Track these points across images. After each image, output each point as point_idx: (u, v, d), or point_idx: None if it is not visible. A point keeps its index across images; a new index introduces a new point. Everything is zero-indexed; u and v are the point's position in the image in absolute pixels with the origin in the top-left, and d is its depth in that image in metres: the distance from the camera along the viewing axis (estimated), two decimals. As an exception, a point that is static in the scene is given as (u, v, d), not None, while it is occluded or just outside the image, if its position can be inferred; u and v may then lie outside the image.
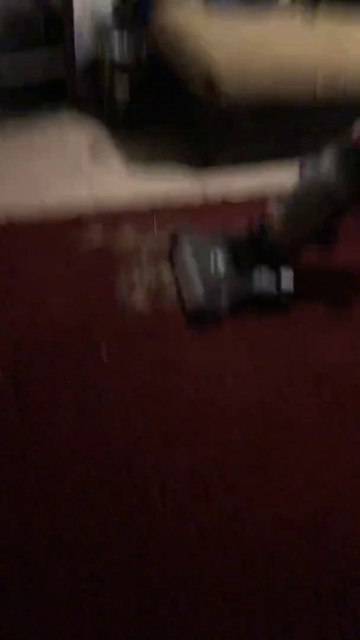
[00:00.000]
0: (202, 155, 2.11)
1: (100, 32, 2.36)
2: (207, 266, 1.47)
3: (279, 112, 2.03)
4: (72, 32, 2.18)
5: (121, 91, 2.20)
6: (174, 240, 1.60)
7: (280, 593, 0.95)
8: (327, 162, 1.40)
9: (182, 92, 2.09)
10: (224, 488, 1.09)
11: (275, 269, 1.46)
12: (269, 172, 2.08)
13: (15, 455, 1.11)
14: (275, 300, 1.47)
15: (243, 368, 1.34)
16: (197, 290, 1.42)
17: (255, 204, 1.86)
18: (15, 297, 1.46)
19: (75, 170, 2.05)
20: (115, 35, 2.28)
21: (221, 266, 1.48)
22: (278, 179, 2.05)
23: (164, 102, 2.32)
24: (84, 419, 1.19)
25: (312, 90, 1.99)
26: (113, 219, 1.79)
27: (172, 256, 1.59)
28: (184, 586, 0.95)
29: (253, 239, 1.50)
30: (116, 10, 2.35)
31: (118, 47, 2.22)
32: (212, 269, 1.47)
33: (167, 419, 1.20)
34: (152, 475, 1.10)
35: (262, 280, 1.45)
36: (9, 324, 1.38)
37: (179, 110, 2.27)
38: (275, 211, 1.46)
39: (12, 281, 1.51)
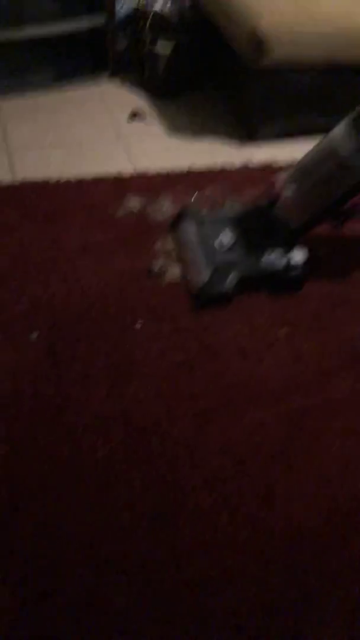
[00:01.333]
0: (246, 127, 2.03)
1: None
2: (212, 245, 1.41)
3: (333, 78, 1.91)
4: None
5: (163, 50, 2.12)
6: (179, 218, 1.53)
7: (303, 571, 0.95)
8: (339, 131, 1.29)
9: (226, 54, 2.00)
10: (255, 466, 1.09)
11: (288, 246, 1.38)
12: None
13: (49, 422, 1.14)
14: (285, 278, 1.39)
15: (276, 344, 1.32)
16: (201, 272, 1.36)
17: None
18: (53, 265, 1.47)
19: (116, 138, 2.01)
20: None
21: (228, 244, 1.41)
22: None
23: (207, 67, 2.23)
24: (117, 389, 1.20)
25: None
26: (152, 186, 1.76)
27: (176, 234, 1.51)
28: (211, 562, 0.96)
29: (262, 216, 1.42)
30: None
31: (161, 1, 2.12)
32: (219, 248, 1.40)
33: (198, 395, 1.20)
34: (182, 449, 1.11)
35: (271, 258, 1.38)
36: (45, 291, 1.39)
37: (223, 76, 2.18)
38: (285, 188, 1.37)
39: (51, 247, 1.52)
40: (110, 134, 2.03)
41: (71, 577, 0.93)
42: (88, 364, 1.25)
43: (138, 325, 1.34)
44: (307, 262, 1.39)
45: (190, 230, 1.48)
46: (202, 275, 1.37)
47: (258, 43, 1.76)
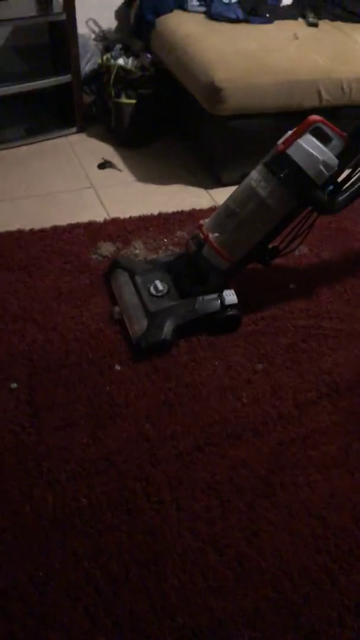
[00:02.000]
0: (210, 172, 2.12)
1: (105, 43, 2.38)
2: (147, 293, 1.44)
3: (287, 122, 2.03)
4: (76, 50, 2.20)
5: (127, 102, 2.22)
6: (112, 269, 1.56)
7: (296, 609, 0.95)
8: (256, 173, 1.36)
9: (187, 104, 2.11)
10: (240, 504, 1.09)
11: (219, 289, 1.42)
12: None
13: (32, 471, 1.12)
14: (222, 318, 1.42)
15: (253, 379, 1.34)
16: (138, 322, 1.39)
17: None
18: (29, 313, 1.48)
19: (87, 186, 2.07)
20: (119, 45, 2.30)
21: (162, 292, 1.44)
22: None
23: (170, 117, 2.34)
24: (99, 433, 1.20)
25: (317, 98, 1.99)
26: (124, 231, 1.81)
27: (112, 284, 1.53)
28: (202, 607, 0.95)
29: (192, 260, 1.45)
30: (120, 18, 2.37)
31: (123, 57, 2.24)
32: (152, 297, 1.43)
33: (180, 435, 1.21)
34: (167, 492, 1.11)
35: (205, 301, 1.41)
36: (23, 340, 1.40)
37: (185, 125, 2.29)
38: (212, 231, 1.41)
39: (27, 296, 1.53)
40: (81, 183, 2.09)
41: (60, 628, 0.91)
42: (69, 409, 1.25)
43: (117, 367, 1.35)
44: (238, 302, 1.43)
45: (124, 279, 1.51)
46: (139, 324, 1.39)
47: (215, 92, 1.87)
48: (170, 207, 1.95)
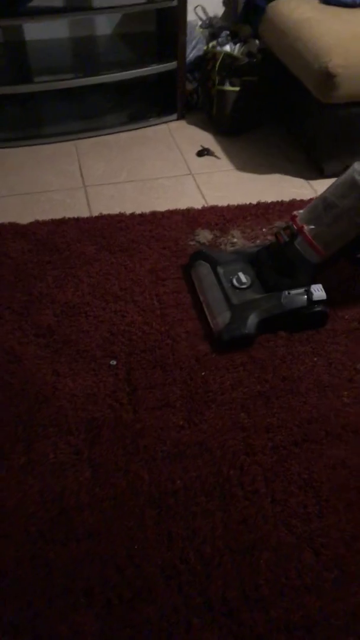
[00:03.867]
0: (314, 163, 2.06)
1: (211, 30, 2.37)
2: (230, 285, 1.40)
3: None
4: (184, 37, 2.21)
5: (232, 89, 2.20)
6: (193, 260, 1.54)
7: None
8: (358, 167, 1.29)
9: (294, 92, 2.04)
10: (339, 505, 1.05)
11: (307, 283, 1.36)
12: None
13: (129, 447, 1.15)
14: (309, 314, 1.36)
15: (355, 378, 1.28)
16: (221, 315, 1.36)
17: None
18: (130, 295, 1.51)
19: (186, 173, 2.08)
20: (226, 32, 2.27)
21: (246, 284, 1.40)
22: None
23: (273, 106, 2.29)
24: (194, 417, 1.20)
25: None
26: (222, 219, 1.79)
27: (194, 275, 1.52)
28: (296, 604, 0.93)
29: (280, 252, 1.40)
30: (227, 4, 2.34)
31: (230, 44, 2.21)
32: (235, 290, 1.39)
33: (277, 428, 1.19)
34: (262, 483, 1.09)
35: (291, 295, 1.35)
36: (123, 320, 1.43)
37: (291, 113, 2.23)
38: (307, 222, 1.36)
39: (127, 278, 1.56)
40: (180, 170, 2.10)
41: (153, 602, 0.92)
42: (165, 391, 1.26)
43: (213, 355, 1.35)
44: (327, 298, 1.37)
45: (205, 271, 1.48)
46: (222, 317, 1.36)
47: (329, 79, 1.80)
48: (269, 197, 1.91)
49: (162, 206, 1.86)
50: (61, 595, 0.94)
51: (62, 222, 1.77)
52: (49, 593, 0.94)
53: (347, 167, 1.37)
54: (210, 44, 2.30)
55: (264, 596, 0.94)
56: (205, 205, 1.88)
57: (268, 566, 0.97)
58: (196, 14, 2.47)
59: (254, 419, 1.21)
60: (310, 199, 1.89)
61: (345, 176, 1.35)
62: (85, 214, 1.84)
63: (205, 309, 1.43)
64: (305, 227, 1.36)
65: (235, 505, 1.06)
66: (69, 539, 1.01)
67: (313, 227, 1.36)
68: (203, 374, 1.30)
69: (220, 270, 1.47)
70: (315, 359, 1.34)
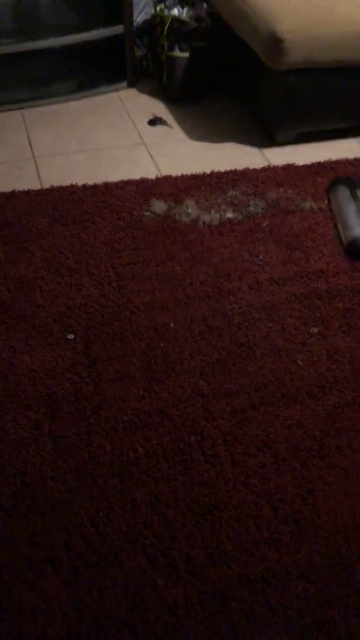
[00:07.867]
0: (266, 131, 2.06)
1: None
2: None
3: (350, 80, 1.93)
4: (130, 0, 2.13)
5: (181, 56, 2.15)
6: (332, 185, 1.70)
7: (349, 567, 0.96)
8: None
9: (244, 59, 2.02)
10: (295, 463, 1.10)
11: None
12: (338, 146, 2.01)
13: (90, 419, 1.16)
14: None
15: (309, 342, 1.33)
16: (352, 229, 1.53)
17: (325, 170, 1.86)
18: (85, 268, 1.49)
19: (138, 143, 2.04)
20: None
21: None
22: (347, 151, 1.99)
23: (224, 73, 2.26)
24: (154, 387, 1.22)
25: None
26: (176, 189, 1.78)
27: (331, 197, 1.70)
28: (257, 558, 0.97)
29: None
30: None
31: (177, 7, 2.16)
32: None
33: (234, 393, 1.22)
34: (222, 447, 1.12)
35: None
36: (79, 293, 1.41)
37: (241, 81, 2.21)
38: None
39: (82, 251, 1.54)
40: (132, 139, 2.06)
41: (119, 566, 0.95)
42: (124, 362, 1.27)
43: (171, 325, 1.36)
44: None
45: (343, 193, 1.65)
46: (353, 231, 1.53)
47: (277, 44, 1.79)
48: (222, 166, 1.90)
49: (115, 177, 1.83)
50: (28, 567, 0.95)
51: (12, 195, 1.71)
52: (16, 566, 0.95)
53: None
54: (158, 7, 2.23)
55: (226, 552, 0.98)
56: (159, 175, 1.86)
57: (229, 524, 1.01)
58: (143, -25, 2.39)
59: (212, 386, 1.23)
60: (264, 168, 1.90)
61: None
62: (35, 186, 1.78)
63: (339, 225, 1.61)
64: None
65: (196, 469, 1.09)
66: (32, 512, 1.01)
67: None
68: (162, 344, 1.31)
69: (358, 192, 1.65)
70: (270, 324, 1.38)
